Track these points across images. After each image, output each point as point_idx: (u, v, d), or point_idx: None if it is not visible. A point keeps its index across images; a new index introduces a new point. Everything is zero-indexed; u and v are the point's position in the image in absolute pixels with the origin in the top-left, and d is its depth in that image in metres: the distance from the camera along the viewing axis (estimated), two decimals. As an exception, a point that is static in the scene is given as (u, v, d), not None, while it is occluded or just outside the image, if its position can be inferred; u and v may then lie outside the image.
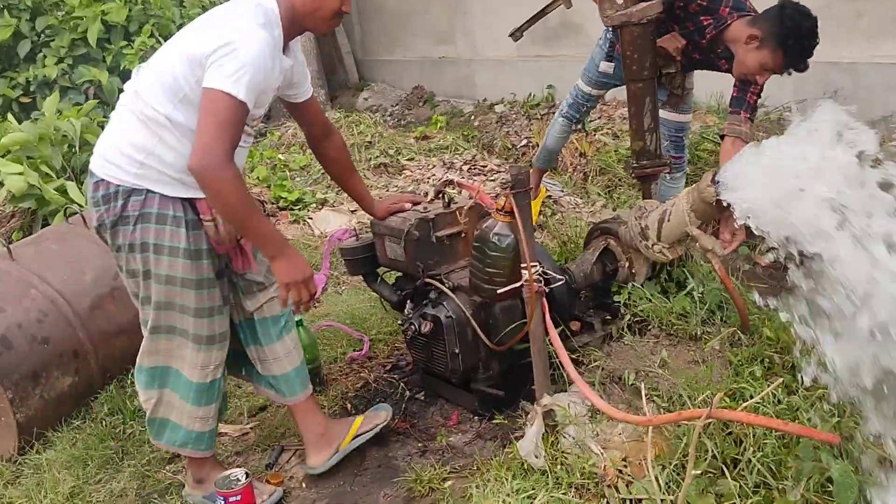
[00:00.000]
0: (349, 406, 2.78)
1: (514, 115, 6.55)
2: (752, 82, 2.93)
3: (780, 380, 1.88)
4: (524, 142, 6.00)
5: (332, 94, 8.60)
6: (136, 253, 2.12)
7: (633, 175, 3.13)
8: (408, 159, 5.32)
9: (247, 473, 2.14)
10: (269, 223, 2.37)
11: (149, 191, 2.07)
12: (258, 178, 4.71)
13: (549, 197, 4.21)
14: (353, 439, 2.44)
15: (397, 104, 8.14)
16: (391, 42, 8.74)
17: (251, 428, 2.79)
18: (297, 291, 2.11)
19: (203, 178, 1.93)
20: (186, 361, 2.23)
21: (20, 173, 3.99)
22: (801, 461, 1.99)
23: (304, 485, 2.45)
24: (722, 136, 3.05)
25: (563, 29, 6.26)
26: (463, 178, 4.52)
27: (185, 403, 2.26)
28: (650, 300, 2.72)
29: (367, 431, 2.47)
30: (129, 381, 3.12)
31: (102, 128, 4.88)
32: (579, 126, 3.75)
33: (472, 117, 6.96)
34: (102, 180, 2.09)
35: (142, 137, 2.06)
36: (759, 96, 2.99)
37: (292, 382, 2.40)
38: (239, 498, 2.09)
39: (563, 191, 4.52)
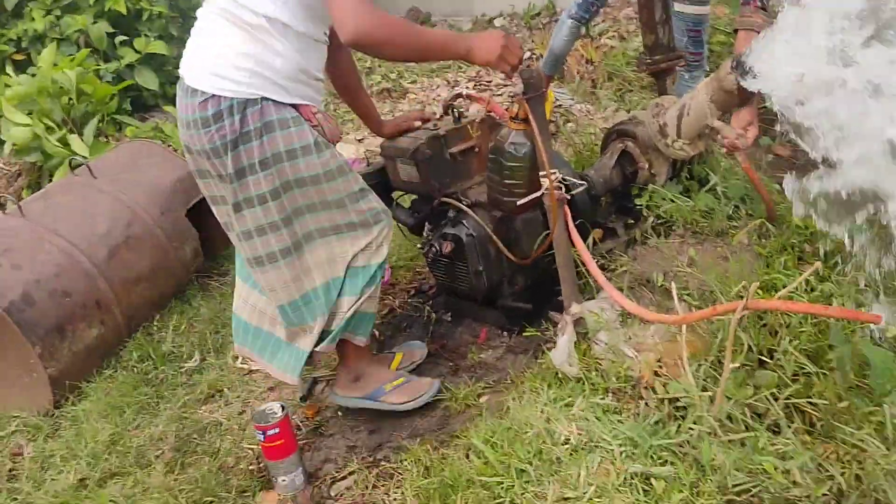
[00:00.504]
0: (377, 333, 2.76)
1: (514, 28, 6.36)
2: None
3: (817, 264, 1.83)
4: (527, 54, 5.83)
5: (327, 23, 8.36)
6: (270, 168, 2.00)
7: (646, 72, 3.01)
8: (410, 82, 5.19)
9: (283, 406, 2.14)
10: (435, 31, 2.25)
11: (263, 98, 1.97)
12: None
13: (560, 106, 4.10)
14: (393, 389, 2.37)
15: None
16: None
17: (282, 362, 2.78)
18: (506, 59, 2.05)
19: (368, 39, 1.85)
20: (341, 257, 2.17)
21: (27, 124, 3.93)
22: (835, 348, 1.96)
23: (339, 413, 2.46)
24: (735, 31, 2.91)
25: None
26: (469, 94, 4.41)
27: (354, 297, 2.21)
28: (673, 200, 2.66)
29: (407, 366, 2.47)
30: (155, 328, 3.13)
31: (98, 76, 4.84)
32: (586, 28, 3.59)
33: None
34: (213, 96, 1.94)
35: (248, 46, 1.95)
36: None
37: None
38: (277, 431, 2.09)
39: (573, 99, 4.39)
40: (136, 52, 5.33)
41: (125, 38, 5.37)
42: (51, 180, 3.97)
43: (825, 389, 1.92)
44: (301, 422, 2.44)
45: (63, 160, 3.91)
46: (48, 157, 3.99)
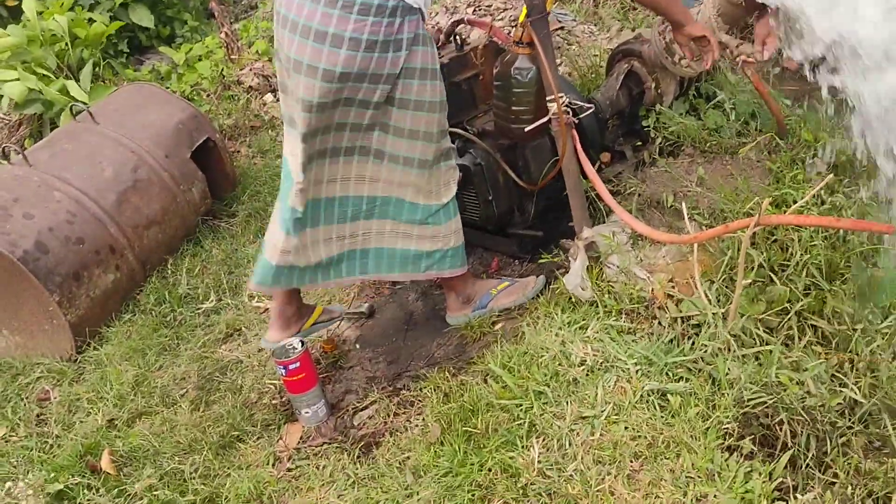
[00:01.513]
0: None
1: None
2: None
3: (829, 177, 1.82)
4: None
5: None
6: (409, 79, 1.97)
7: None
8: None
9: (302, 341, 2.18)
10: None
11: (420, 10, 1.93)
12: (258, 51, 4.54)
13: (562, 27, 4.01)
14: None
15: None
16: None
17: (296, 300, 2.82)
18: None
19: None
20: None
21: (16, 79, 3.88)
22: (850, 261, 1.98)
23: (357, 346, 2.51)
24: None
25: None
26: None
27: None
28: (680, 120, 2.63)
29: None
30: (169, 271, 3.16)
31: (91, 21, 4.75)
32: None
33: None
34: None
35: None
36: None
37: None
38: (298, 365, 2.13)
39: (575, 20, 4.30)
40: (129, -12, 5.21)
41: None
42: (53, 128, 3.95)
43: (837, 305, 1.94)
44: (321, 356, 2.48)
45: (64, 107, 3.88)
46: (49, 105, 3.95)
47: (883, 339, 1.86)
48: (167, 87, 4.17)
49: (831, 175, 1.90)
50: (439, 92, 2.07)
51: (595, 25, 4.03)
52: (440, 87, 2.06)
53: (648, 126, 2.70)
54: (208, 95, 4.31)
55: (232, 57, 4.49)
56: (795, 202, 2.15)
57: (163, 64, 4.90)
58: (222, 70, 4.42)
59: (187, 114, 3.39)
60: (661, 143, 2.69)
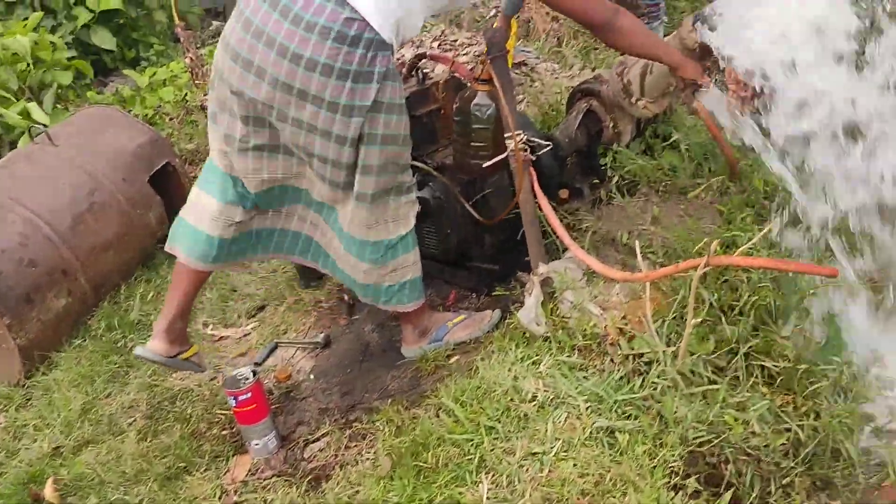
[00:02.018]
0: (347, 297, 2.78)
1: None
2: None
3: (774, 221, 1.87)
4: (492, 12, 5.77)
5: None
6: (377, 113, 1.98)
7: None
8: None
9: (254, 371, 2.16)
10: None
11: (392, 47, 1.96)
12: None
13: (525, 64, 4.08)
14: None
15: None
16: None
17: (251, 329, 2.80)
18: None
19: (616, 26, 2.09)
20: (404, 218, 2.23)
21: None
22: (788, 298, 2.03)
23: (312, 376, 2.49)
24: None
25: None
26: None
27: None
28: (636, 160, 2.69)
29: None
30: (122, 296, 3.12)
31: (53, 44, 4.70)
32: None
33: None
34: (363, 21, 1.87)
35: None
36: None
37: None
38: (249, 396, 2.11)
39: (538, 57, 4.37)
40: (90, 10, 5.18)
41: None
42: (11, 149, 3.88)
43: (783, 347, 1.99)
44: (273, 386, 2.46)
45: (24, 130, 3.83)
46: (9, 128, 3.90)
47: (826, 380, 1.90)
48: (129, 111, 4.14)
49: (776, 220, 1.95)
50: (404, 126, 2.09)
51: (557, 63, 4.10)
52: (406, 121, 2.09)
53: (606, 165, 2.75)
54: (171, 119, 4.29)
55: (196, 82, 4.47)
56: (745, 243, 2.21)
57: (126, 87, 4.86)
58: (186, 95, 4.40)
59: (147, 138, 3.36)
60: (617, 182, 2.74)
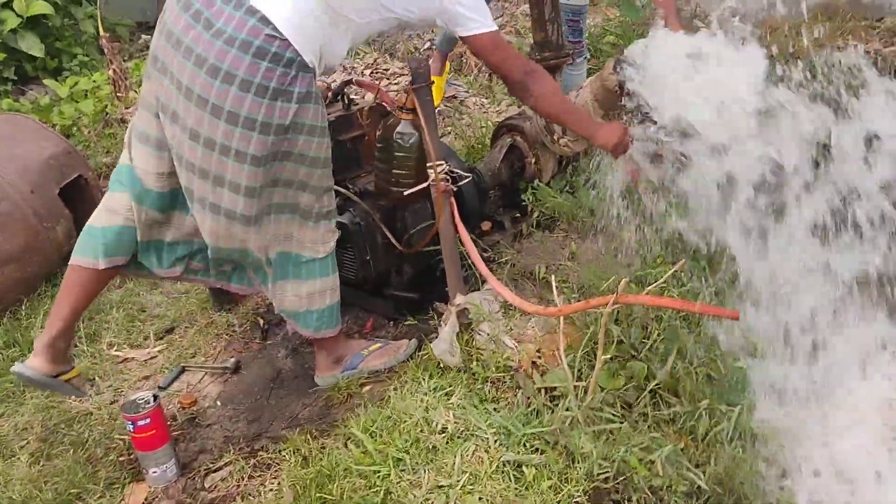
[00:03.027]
0: (261, 321, 2.71)
1: (416, 18, 6.37)
2: None
3: (682, 262, 1.93)
4: (427, 44, 5.84)
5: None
6: (296, 134, 1.95)
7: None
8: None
9: (155, 396, 2.07)
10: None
11: (314, 70, 1.94)
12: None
13: (455, 97, 4.13)
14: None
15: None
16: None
17: (159, 351, 2.69)
18: (620, 147, 2.29)
19: (531, 90, 2.18)
20: (297, 239, 2.17)
21: None
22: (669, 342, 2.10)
23: (218, 403, 2.41)
24: None
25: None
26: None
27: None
28: (556, 197, 2.74)
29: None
30: (23, 313, 2.96)
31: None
32: None
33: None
34: (285, 40, 1.84)
35: (327, 26, 1.95)
36: None
37: None
38: (148, 421, 2.02)
39: (468, 91, 4.44)
40: (18, 16, 4.99)
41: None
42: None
43: (687, 385, 2.03)
44: (177, 411, 2.36)
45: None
46: None
47: (728, 422, 1.95)
48: (46, 121, 3.98)
49: (683, 261, 2.00)
50: (325, 149, 2.07)
51: (487, 98, 4.17)
52: (327, 143, 2.07)
53: (526, 200, 2.79)
54: (89, 132, 4.14)
55: (118, 94, 4.35)
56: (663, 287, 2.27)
57: (45, 96, 4.69)
58: (106, 107, 4.27)
59: (60, 149, 3.23)
60: (538, 217, 2.78)
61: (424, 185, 2.18)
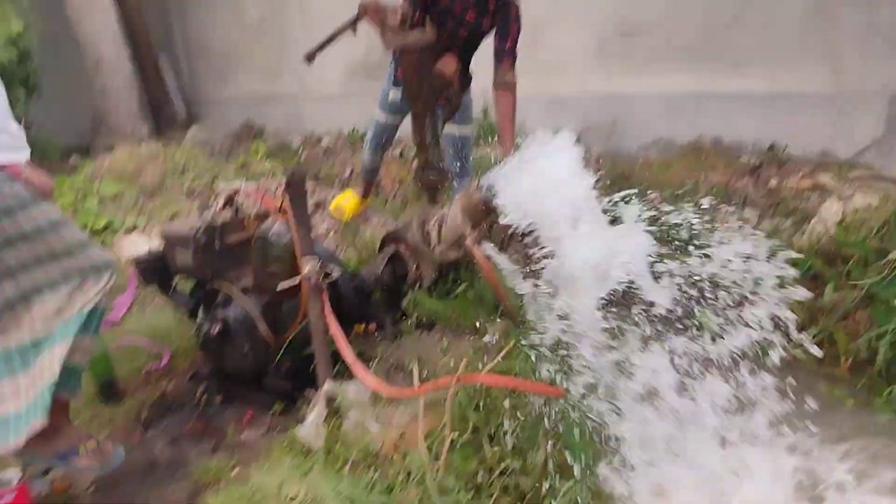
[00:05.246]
0: (145, 414, 2.80)
1: (339, 148, 6.77)
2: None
3: (509, 346, 2.14)
4: (348, 171, 6.21)
5: (161, 130, 8.48)
6: None
7: (418, 185, 3.40)
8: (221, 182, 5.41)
9: (20, 475, 2.14)
10: None
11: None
12: (62, 204, 4.62)
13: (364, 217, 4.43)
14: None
15: (227, 138, 8.14)
16: (221, 79, 8.76)
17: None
18: None
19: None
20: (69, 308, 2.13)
21: None
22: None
23: (91, 490, 2.46)
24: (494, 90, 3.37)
25: (385, 64, 6.61)
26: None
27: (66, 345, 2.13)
28: (431, 303, 2.97)
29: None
30: None
31: None
32: (383, 154, 4.08)
33: (301, 150, 7.11)
34: None
35: None
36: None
37: None
38: (13, 496, 2.08)
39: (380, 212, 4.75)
40: None
41: None
42: None
43: (533, 467, 2.20)
44: (49, 495, 2.40)
45: None
46: None
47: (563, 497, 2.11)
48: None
49: (511, 344, 2.23)
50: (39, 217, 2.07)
51: (390, 216, 4.47)
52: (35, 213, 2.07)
53: (409, 303, 3.01)
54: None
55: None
56: (516, 373, 2.48)
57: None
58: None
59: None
60: (416, 319, 2.99)
61: (295, 280, 2.39)
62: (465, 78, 3.51)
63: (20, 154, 2.10)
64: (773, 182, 3.86)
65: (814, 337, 3.10)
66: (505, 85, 3.29)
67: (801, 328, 3.19)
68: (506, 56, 3.31)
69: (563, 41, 5.38)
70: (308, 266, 2.34)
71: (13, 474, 2.13)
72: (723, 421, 2.58)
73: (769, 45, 4.35)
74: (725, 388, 2.55)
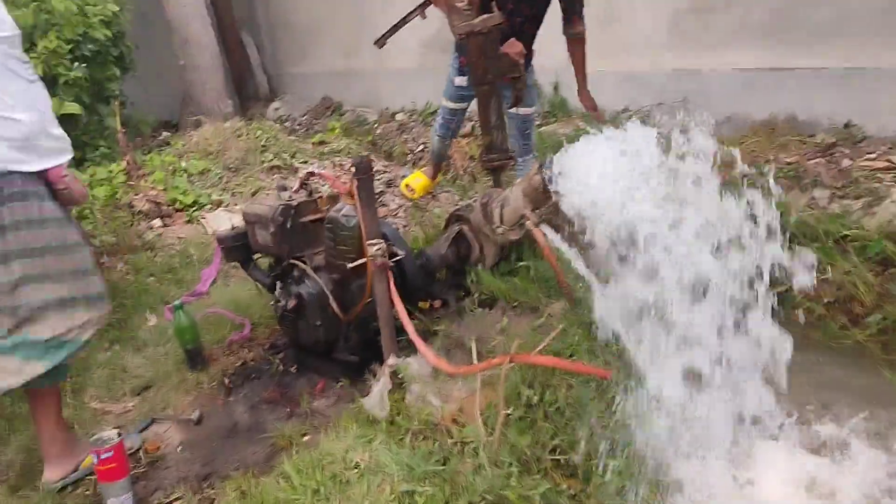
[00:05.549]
0: (227, 381, 3.03)
1: (412, 123, 6.90)
2: None
3: (559, 328, 2.25)
4: (420, 147, 6.35)
5: (245, 105, 8.81)
6: (7, 234, 2.19)
7: (483, 167, 3.50)
8: (301, 162, 5.62)
9: (119, 433, 2.38)
10: None
11: (20, 173, 2.21)
12: (155, 180, 4.92)
13: (431, 193, 4.56)
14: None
15: (306, 114, 8.40)
16: (301, 55, 9.01)
17: (133, 405, 3.01)
18: None
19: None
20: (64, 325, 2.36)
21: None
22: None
23: (179, 449, 2.70)
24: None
25: (457, 40, 6.68)
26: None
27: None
28: (494, 279, 3.08)
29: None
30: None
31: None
32: (452, 139, 4.21)
33: (376, 125, 7.28)
34: None
35: None
36: None
37: None
38: (111, 454, 2.32)
39: (450, 190, 4.88)
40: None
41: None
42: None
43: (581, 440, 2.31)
44: (143, 454, 2.66)
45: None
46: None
47: (614, 474, 2.21)
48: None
49: (560, 327, 2.32)
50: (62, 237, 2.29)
51: (458, 195, 4.59)
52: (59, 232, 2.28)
53: (470, 281, 3.13)
54: (100, 215, 4.60)
55: (130, 183, 4.83)
56: (571, 355, 2.58)
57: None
58: (116, 193, 4.74)
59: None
60: (478, 297, 3.11)
61: (363, 260, 2.54)
62: (528, 58, 3.59)
63: (64, 157, 2.32)
64: (846, 162, 3.78)
65: (880, 322, 3.09)
66: (576, 34, 3.75)
67: (867, 314, 3.17)
68: (575, 13, 3.71)
69: (638, 17, 5.33)
70: (375, 248, 2.48)
71: (113, 433, 2.37)
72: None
73: (847, 21, 4.22)
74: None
